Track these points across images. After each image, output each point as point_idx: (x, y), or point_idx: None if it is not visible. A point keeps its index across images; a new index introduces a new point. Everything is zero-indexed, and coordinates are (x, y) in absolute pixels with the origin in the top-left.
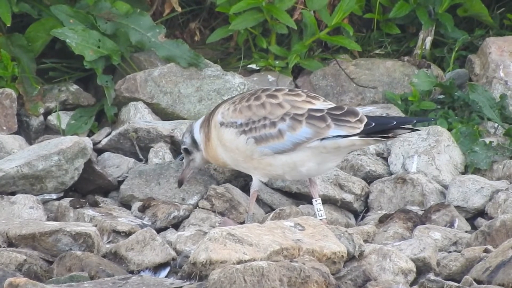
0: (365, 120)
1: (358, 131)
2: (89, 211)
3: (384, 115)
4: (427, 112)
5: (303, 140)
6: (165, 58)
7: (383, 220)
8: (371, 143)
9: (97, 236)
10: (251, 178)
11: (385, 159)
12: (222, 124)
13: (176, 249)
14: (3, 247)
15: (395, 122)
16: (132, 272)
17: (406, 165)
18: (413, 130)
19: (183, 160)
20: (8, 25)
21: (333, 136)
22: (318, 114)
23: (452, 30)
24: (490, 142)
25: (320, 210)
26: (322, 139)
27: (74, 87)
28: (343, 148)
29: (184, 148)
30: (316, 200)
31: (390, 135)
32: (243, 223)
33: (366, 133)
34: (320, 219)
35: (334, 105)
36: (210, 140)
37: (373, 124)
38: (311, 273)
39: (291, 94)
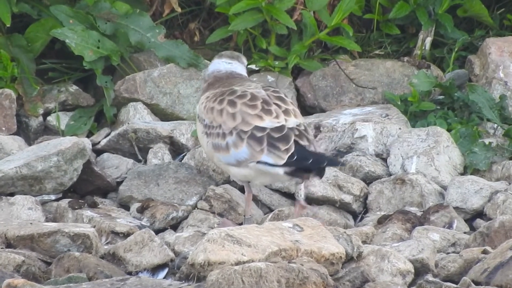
0: (291, 150)
1: (281, 162)
2: (87, 212)
3: (383, 115)
4: (427, 112)
5: (243, 160)
6: (165, 59)
7: (382, 221)
8: (294, 178)
9: (95, 237)
10: None
11: (384, 160)
12: (198, 116)
13: (175, 250)
14: (2, 248)
15: (312, 160)
16: (130, 273)
17: (405, 166)
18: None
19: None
20: (8, 25)
21: (265, 162)
22: (259, 135)
23: (452, 31)
24: (490, 143)
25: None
26: (257, 162)
27: (73, 88)
28: (275, 175)
29: None
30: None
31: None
32: (241, 224)
33: (289, 165)
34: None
35: (281, 123)
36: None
37: (295, 157)
38: (309, 274)
39: (249, 105)
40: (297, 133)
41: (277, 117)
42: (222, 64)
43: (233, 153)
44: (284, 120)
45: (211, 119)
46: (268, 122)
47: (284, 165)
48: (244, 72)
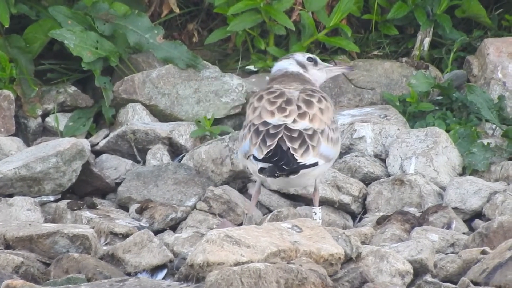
0: (270, 148)
1: (261, 156)
2: (86, 213)
3: (382, 116)
4: (425, 113)
5: (246, 152)
6: (163, 60)
7: (381, 221)
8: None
9: (94, 238)
10: (249, 180)
11: (383, 160)
12: None
13: (174, 251)
14: (1, 249)
15: (280, 161)
16: (129, 274)
17: (404, 167)
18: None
19: (325, 69)
20: (6, 26)
21: (254, 156)
22: (261, 129)
23: (450, 31)
24: (488, 143)
25: (314, 219)
26: (250, 156)
27: (72, 89)
28: (255, 172)
29: None
30: (313, 209)
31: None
32: (240, 224)
33: (263, 161)
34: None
35: (286, 122)
36: None
37: (270, 155)
38: (308, 275)
39: (271, 101)
40: (295, 135)
41: (287, 116)
42: (280, 64)
43: (243, 145)
44: (292, 121)
45: (247, 113)
46: (276, 119)
47: (261, 160)
48: (301, 70)
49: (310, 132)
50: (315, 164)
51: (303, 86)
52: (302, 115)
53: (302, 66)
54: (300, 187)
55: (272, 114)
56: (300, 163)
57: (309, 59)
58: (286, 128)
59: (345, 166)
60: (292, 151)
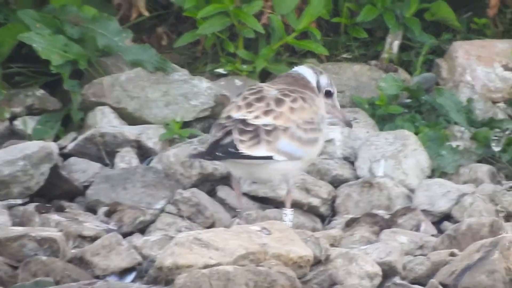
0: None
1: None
2: (55, 216)
3: (351, 119)
4: (394, 116)
5: None
6: (132, 63)
7: (350, 224)
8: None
9: (62, 241)
10: (218, 183)
11: (352, 163)
12: None
13: (142, 254)
14: None
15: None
16: (97, 277)
17: (373, 169)
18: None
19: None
20: None
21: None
22: (221, 122)
23: (419, 34)
24: (457, 146)
25: (284, 221)
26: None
27: (40, 92)
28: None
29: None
30: (284, 211)
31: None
32: (210, 227)
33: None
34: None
35: (245, 117)
36: None
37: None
38: (277, 277)
39: (244, 97)
40: (249, 129)
41: (251, 112)
42: (298, 67)
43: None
44: (255, 116)
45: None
46: (239, 114)
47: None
48: (306, 74)
49: (269, 128)
50: (269, 157)
51: (290, 87)
52: (267, 112)
53: (318, 86)
54: (264, 181)
55: (238, 108)
56: (242, 153)
57: (328, 89)
58: (243, 122)
59: (314, 168)
60: (235, 142)
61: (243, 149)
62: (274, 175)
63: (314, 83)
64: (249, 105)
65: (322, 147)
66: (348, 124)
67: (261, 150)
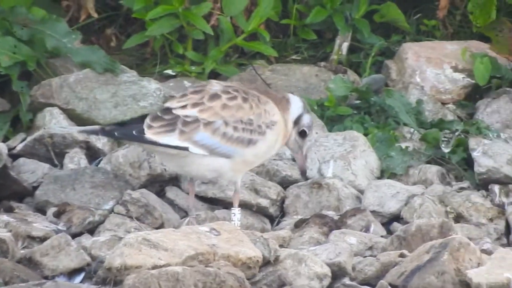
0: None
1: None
2: (3, 217)
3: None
4: (343, 117)
5: None
6: (81, 64)
7: (299, 225)
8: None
9: (11, 241)
10: (167, 184)
11: None
12: None
13: (91, 255)
14: None
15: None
16: (46, 278)
17: (322, 170)
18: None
19: (299, 146)
20: None
21: None
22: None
23: (368, 36)
24: (406, 147)
25: (233, 221)
26: None
27: None
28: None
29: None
30: (232, 210)
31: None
32: (159, 228)
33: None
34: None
35: (167, 106)
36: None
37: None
38: (226, 278)
39: (187, 89)
40: (166, 117)
41: (180, 102)
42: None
43: None
44: (180, 107)
45: None
46: (169, 104)
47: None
48: (292, 100)
49: (189, 120)
50: (185, 148)
51: (249, 89)
52: (196, 105)
53: (298, 119)
54: (201, 179)
55: (172, 99)
56: (145, 137)
57: (305, 129)
58: (166, 110)
59: (263, 169)
60: (144, 126)
61: (149, 134)
62: (204, 171)
63: (294, 114)
64: (183, 96)
65: (270, 151)
66: (303, 172)
67: (171, 139)
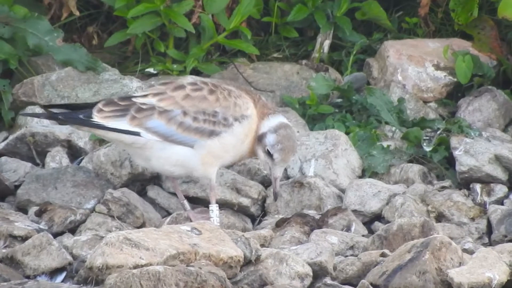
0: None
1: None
2: None
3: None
4: (325, 115)
5: None
6: (63, 62)
7: (280, 224)
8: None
9: None
10: (148, 183)
11: None
12: None
13: (73, 254)
14: None
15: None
16: (28, 277)
17: (303, 169)
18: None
19: (270, 168)
20: None
21: None
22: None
23: (350, 34)
24: (388, 146)
25: (211, 217)
26: None
27: None
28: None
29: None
30: (210, 207)
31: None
32: (140, 227)
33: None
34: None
35: (134, 94)
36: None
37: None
38: (208, 278)
39: (159, 81)
40: (121, 103)
41: (144, 90)
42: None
43: None
44: (142, 96)
45: None
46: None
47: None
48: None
49: (144, 107)
50: (135, 133)
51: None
52: (157, 94)
53: (261, 135)
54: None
55: (141, 89)
56: (93, 121)
57: (271, 150)
58: (123, 98)
59: (244, 168)
60: (93, 110)
61: (98, 118)
62: (166, 164)
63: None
64: (151, 86)
65: (240, 146)
66: (275, 197)
67: (121, 123)
